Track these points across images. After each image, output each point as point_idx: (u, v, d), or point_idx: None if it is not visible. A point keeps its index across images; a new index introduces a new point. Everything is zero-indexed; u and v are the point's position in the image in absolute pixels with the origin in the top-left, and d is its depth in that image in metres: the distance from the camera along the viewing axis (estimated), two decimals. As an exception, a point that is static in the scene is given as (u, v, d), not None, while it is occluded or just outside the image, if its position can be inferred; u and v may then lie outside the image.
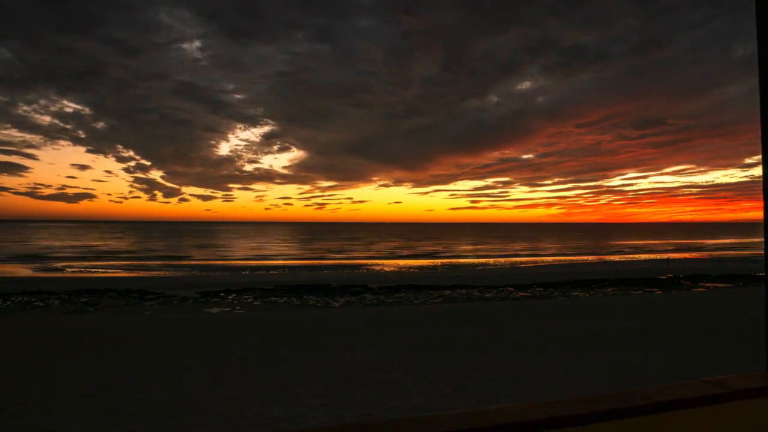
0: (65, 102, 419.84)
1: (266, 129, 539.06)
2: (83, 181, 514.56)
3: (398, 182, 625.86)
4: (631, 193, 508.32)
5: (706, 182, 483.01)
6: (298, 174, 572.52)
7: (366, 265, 56.16)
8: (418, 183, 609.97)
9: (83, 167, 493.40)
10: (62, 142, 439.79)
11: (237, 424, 6.16)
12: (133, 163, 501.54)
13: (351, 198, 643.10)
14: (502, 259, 64.43)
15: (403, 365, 9.31)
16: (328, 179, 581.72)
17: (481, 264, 56.71)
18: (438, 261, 61.96)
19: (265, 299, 25.37)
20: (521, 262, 58.89)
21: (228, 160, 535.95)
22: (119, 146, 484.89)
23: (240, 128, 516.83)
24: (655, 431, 1.54)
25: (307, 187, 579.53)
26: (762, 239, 1.95)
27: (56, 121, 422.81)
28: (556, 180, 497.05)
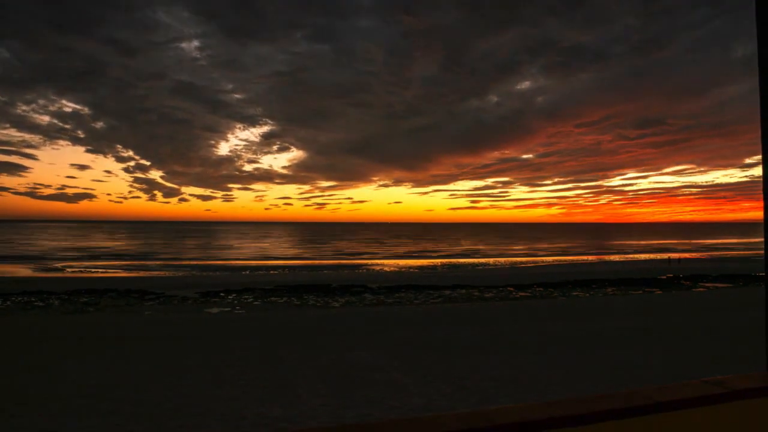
0: (64, 102, 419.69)
1: (266, 129, 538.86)
2: (83, 181, 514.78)
3: (398, 182, 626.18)
4: (631, 193, 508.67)
5: (706, 182, 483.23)
6: (297, 174, 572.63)
7: (366, 265, 56.16)
8: (418, 183, 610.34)
9: (83, 167, 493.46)
10: (61, 142, 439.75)
11: (237, 424, 6.16)
12: (132, 163, 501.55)
13: (351, 198, 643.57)
14: (502, 259, 64.44)
15: (403, 365, 9.31)
16: (327, 179, 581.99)
17: (481, 264, 56.71)
18: (438, 261, 61.97)
19: (265, 299, 25.37)
20: (521, 262, 58.90)
21: (227, 160, 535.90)
22: (118, 146, 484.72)
23: (239, 128, 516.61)
24: (655, 431, 1.54)
25: (306, 187, 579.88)
26: (762, 239, 1.95)
27: (55, 121, 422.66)
28: (556, 180, 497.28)
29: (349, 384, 8.01)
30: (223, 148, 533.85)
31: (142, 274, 43.65)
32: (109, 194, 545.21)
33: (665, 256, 61.04)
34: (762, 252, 2.25)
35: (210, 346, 11.99)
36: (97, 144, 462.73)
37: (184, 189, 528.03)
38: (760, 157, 1.90)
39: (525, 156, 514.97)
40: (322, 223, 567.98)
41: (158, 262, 57.29)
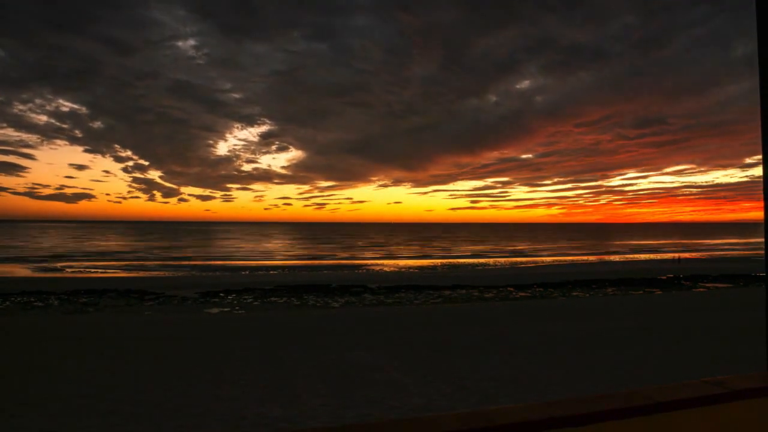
0: (61, 101, 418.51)
1: (264, 128, 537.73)
2: (82, 181, 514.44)
3: (397, 182, 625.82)
4: (631, 194, 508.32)
5: (706, 182, 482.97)
6: (296, 174, 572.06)
7: (366, 265, 56.17)
8: (418, 183, 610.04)
9: (81, 167, 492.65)
10: (59, 142, 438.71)
11: (237, 424, 6.16)
12: (131, 163, 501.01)
13: (350, 198, 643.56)
14: (502, 259, 64.44)
15: (403, 365, 9.31)
16: (327, 179, 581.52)
17: (481, 264, 56.71)
18: (438, 261, 61.97)
19: (264, 299, 25.37)
20: (521, 262, 58.90)
21: (226, 160, 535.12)
22: (116, 146, 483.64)
23: (237, 128, 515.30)
24: (655, 431, 1.54)
25: (306, 187, 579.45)
26: (762, 239, 1.95)
27: (53, 121, 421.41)
28: (555, 180, 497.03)
29: (349, 384, 8.01)
30: (222, 148, 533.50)
31: (141, 274, 43.65)
32: (108, 194, 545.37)
33: (674, 256, 61.11)
34: (762, 252, 2.25)
35: (210, 346, 11.99)
36: (95, 144, 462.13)
37: (183, 189, 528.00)
38: (760, 157, 1.90)
39: (524, 156, 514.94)
40: (321, 224, 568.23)
41: (158, 263, 57.29)
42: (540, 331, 13.44)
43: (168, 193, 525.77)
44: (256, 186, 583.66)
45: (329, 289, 29.20)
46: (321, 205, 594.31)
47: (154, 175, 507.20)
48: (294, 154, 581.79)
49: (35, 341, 13.01)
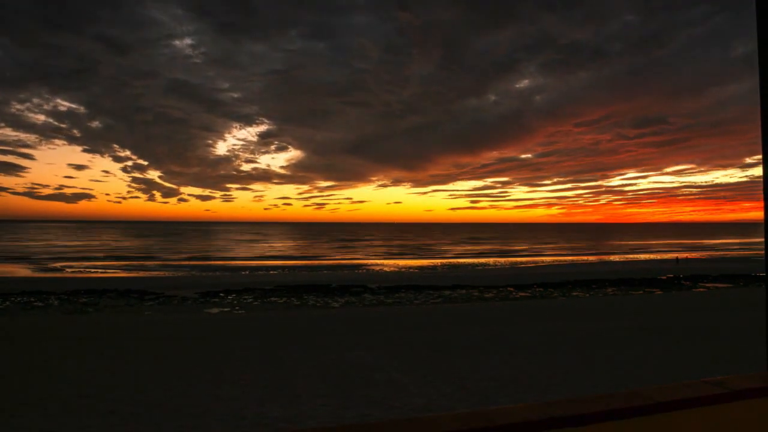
0: (59, 100, 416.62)
1: (263, 128, 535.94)
2: (81, 181, 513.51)
3: (397, 182, 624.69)
4: (630, 194, 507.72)
5: (706, 182, 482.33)
6: (296, 174, 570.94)
7: (366, 265, 56.18)
8: (417, 183, 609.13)
9: (80, 167, 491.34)
10: (58, 141, 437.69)
11: (237, 424, 6.16)
12: (130, 163, 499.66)
13: (350, 198, 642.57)
14: (502, 259, 64.45)
15: (403, 365, 9.31)
16: (326, 179, 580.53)
17: (481, 264, 56.72)
18: (438, 261, 61.98)
19: (264, 299, 25.37)
20: (521, 262, 58.91)
21: (225, 160, 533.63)
22: (115, 145, 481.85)
23: (236, 127, 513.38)
24: (655, 431, 1.54)
25: (305, 187, 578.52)
26: (762, 239, 1.95)
27: (51, 120, 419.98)
28: (555, 180, 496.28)
29: (349, 384, 8.01)
30: (221, 148, 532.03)
31: (141, 274, 43.66)
32: (107, 194, 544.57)
33: (672, 256, 61.13)
34: (762, 252, 2.25)
35: (210, 346, 11.99)
36: (94, 143, 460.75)
37: (182, 189, 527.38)
38: (760, 157, 1.90)
39: (524, 156, 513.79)
40: (321, 224, 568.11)
41: (158, 262, 57.30)
42: (540, 331, 13.44)
43: (168, 193, 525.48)
44: (255, 186, 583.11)
45: (329, 289, 29.20)
46: (321, 205, 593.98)
47: (154, 175, 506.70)
48: (293, 154, 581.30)
49: (35, 341, 13.01)
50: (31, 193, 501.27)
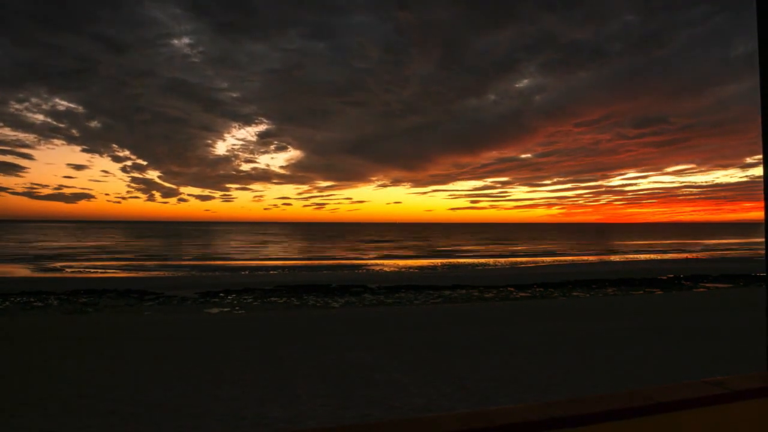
0: (57, 100, 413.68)
1: (262, 128, 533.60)
2: (81, 181, 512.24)
3: (397, 182, 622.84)
4: (631, 194, 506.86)
5: (706, 182, 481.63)
6: (295, 174, 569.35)
7: (366, 265, 56.17)
8: (417, 183, 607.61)
9: (80, 167, 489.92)
10: (57, 141, 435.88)
11: (237, 425, 6.16)
12: (129, 163, 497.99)
13: (350, 198, 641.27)
14: (502, 259, 64.42)
15: (403, 365, 9.31)
16: (326, 179, 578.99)
17: (481, 264, 56.71)
18: (438, 261, 61.96)
19: (264, 299, 25.36)
20: (521, 262, 58.90)
21: (225, 160, 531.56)
22: (114, 145, 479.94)
23: (235, 127, 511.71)
24: (655, 431, 1.54)
25: (305, 187, 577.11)
26: (762, 239, 1.95)
27: (49, 120, 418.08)
28: (555, 180, 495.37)
29: (349, 384, 8.01)
30: (220, 148, 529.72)
31: (141, 274, 43.64)
32: (107, 194, 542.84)
33: (672, 256, 61.16)
34: (762, 252, 2.25)
35: (210, 346, 11.99)
36: (93, 143, 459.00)
37: (182, 189, 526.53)
38: (760, 156, 1.90)
39: (524, 156, 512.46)
40: (321, 224, 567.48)
41: (157, 262, 57.28)
42: (540, 331, 13.44)
43: (167, 193, 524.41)
44: (255, 186, 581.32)
45: (329, 289, 29.20)
46: (320, 205, 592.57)
47: (153, 175, 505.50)
48: (292, 154, 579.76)
49: (35, 341, 13.01)
50: (30, 193, 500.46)
